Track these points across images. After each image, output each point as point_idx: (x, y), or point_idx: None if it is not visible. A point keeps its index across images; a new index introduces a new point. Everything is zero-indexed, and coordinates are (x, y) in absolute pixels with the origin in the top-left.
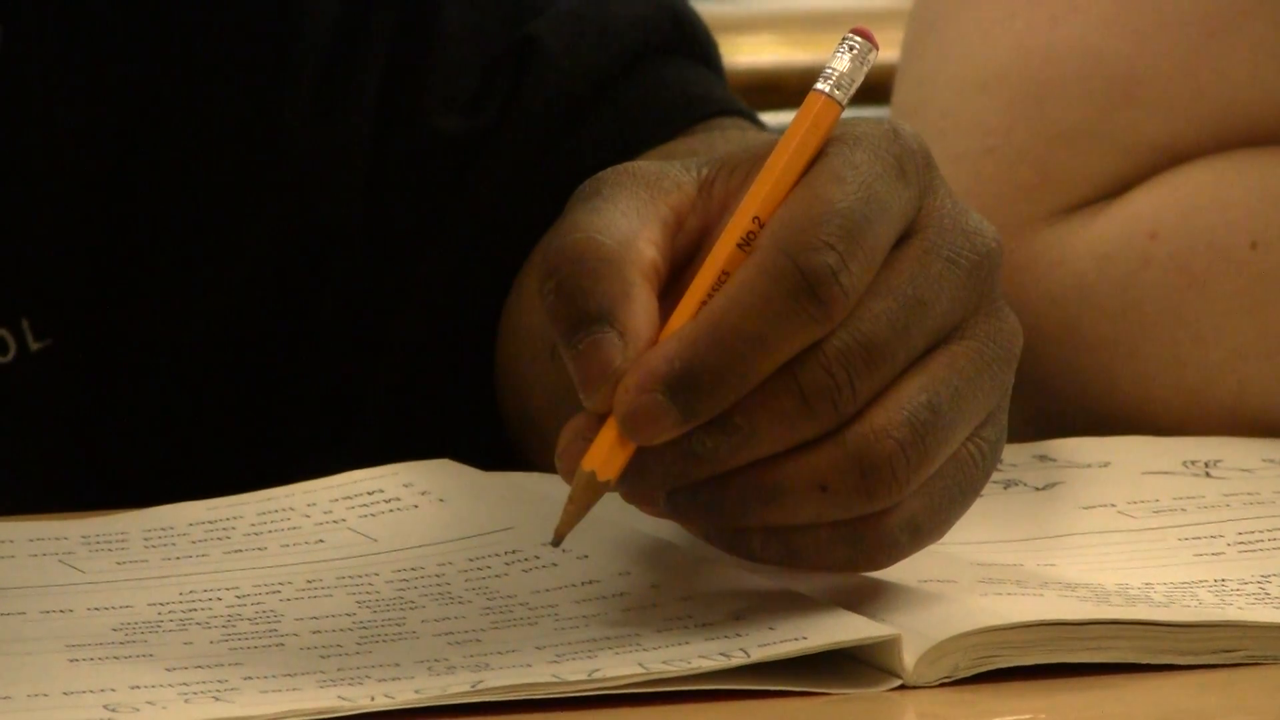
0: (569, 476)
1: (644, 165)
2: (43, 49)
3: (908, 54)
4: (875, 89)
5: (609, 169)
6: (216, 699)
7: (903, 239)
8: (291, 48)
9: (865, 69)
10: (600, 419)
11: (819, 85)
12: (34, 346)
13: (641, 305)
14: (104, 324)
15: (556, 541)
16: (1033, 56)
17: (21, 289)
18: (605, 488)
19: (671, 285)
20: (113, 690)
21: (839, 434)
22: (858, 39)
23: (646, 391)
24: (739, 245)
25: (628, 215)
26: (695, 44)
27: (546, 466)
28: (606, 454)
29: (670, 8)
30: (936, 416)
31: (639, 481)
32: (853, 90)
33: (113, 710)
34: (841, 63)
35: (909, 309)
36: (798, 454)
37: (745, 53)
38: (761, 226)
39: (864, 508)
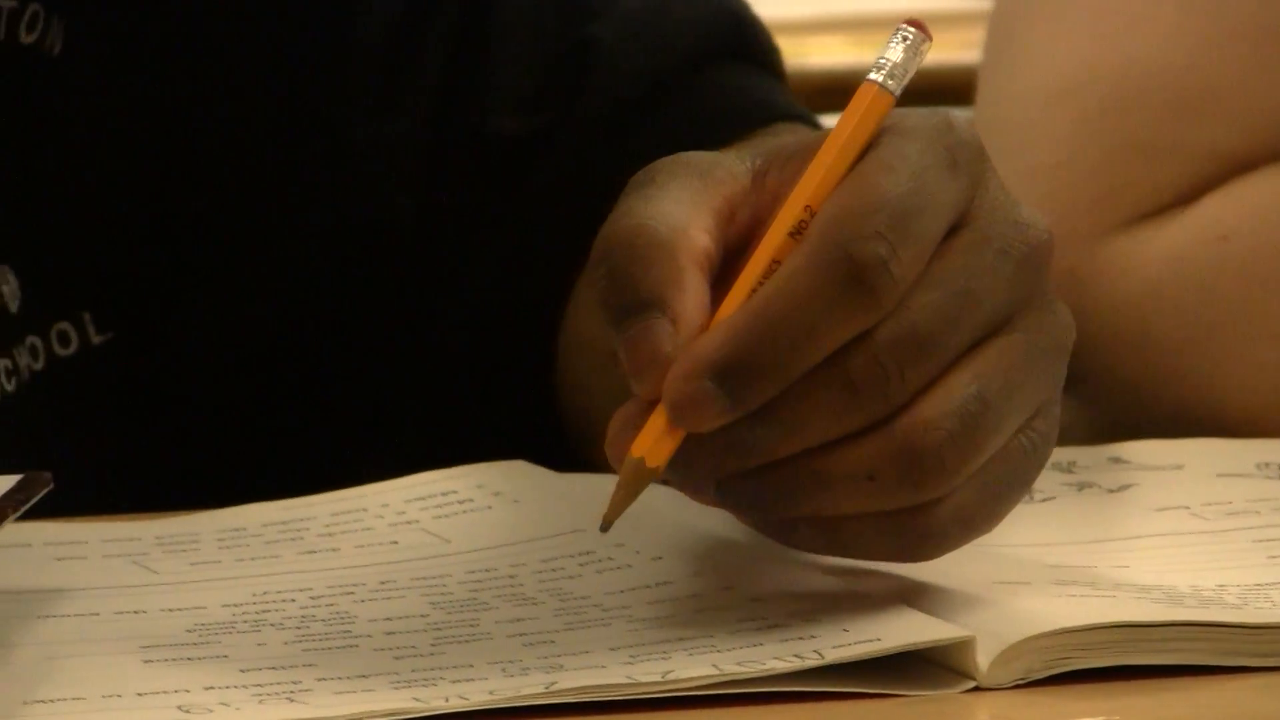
0: (618, 464)
1: (698, 155)
2: (103, 44)
3: (984, 70)
4: (945, 88)
5: (663, 158)
6: (290, 700)
7: (954, 230)
8: (350, 47)
9: (918, 60)
10: (650, 405)
11: (872, 75)
12: (95, 340)
13: (693, 292)
14: (164, 318)
15: (605, 527)
16: (1102, 70)
17: (83, 283)
18: (654, 474)
19: (723, 276)
20: (186, 691)
21: (887, 424)
22: (911, 30)
23: (694, 379)
24: (790, 234)
25: (681, 203)
26: (757, 49)
27: (608, 470)
28: (655, 441)
29: (732, 12)
30: (986, 408)
31: (687, 469)
32: (905, 81)
33: (186, 711)
34: (894, 53)
35: (959, 300)
36: (845, 444)
37: (815, 54)
38: (813, 215)
39: (911, 499)
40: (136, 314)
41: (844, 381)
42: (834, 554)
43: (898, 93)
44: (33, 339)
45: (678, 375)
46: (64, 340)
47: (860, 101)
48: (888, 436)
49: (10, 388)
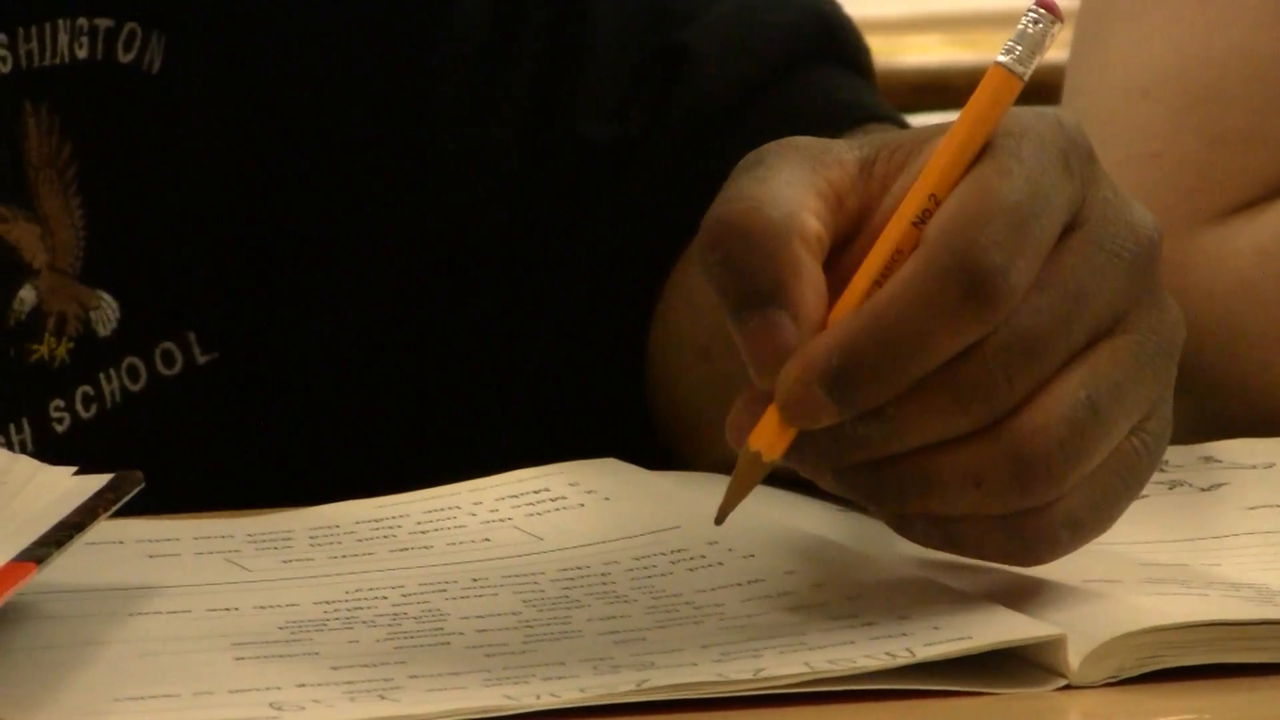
0: (737, 445)
1: (808, 139)
2: (202, 61)
3: (1073, 63)
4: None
5: (773, 141)
6: (382, 697)
7: (1066, 231)
8: (440, 54)
9: (1048, 42)
10: (769, 396)
11: (1000, 58)
12: (201, 360)
13: (810, 283)
14: (266, 335)
15: (719, 520)
16: (1193, 62)
17: (188, 303)
18: (769, 467)
19: (831, 262)
20: (278, 688)
21: (996, 429)
22: (1041, 11)
23: (805, 383)
24: (914, 223)
25: (791, 185)
26: (846, 50)
27: (699, 467)
28: (771, 435)
29: (822, 14)
30: (1095, 413)
31: (801, 460)
32: (1034, 64)
33: (278, 708)
34: (1023, 36)
35: (1070, 303)
36: (954, 447)
37: (912, 53)
38: (938, 204)
39: (1019, 504)
40: (240, 333)
41: (952, 386)
42: (947, 550)
43: (1026, 77)
44: (131, 360)
45: (790, 377)
46: (168, 360)
47: (988, 85)
48: (996, 442)
49: (89, 414)
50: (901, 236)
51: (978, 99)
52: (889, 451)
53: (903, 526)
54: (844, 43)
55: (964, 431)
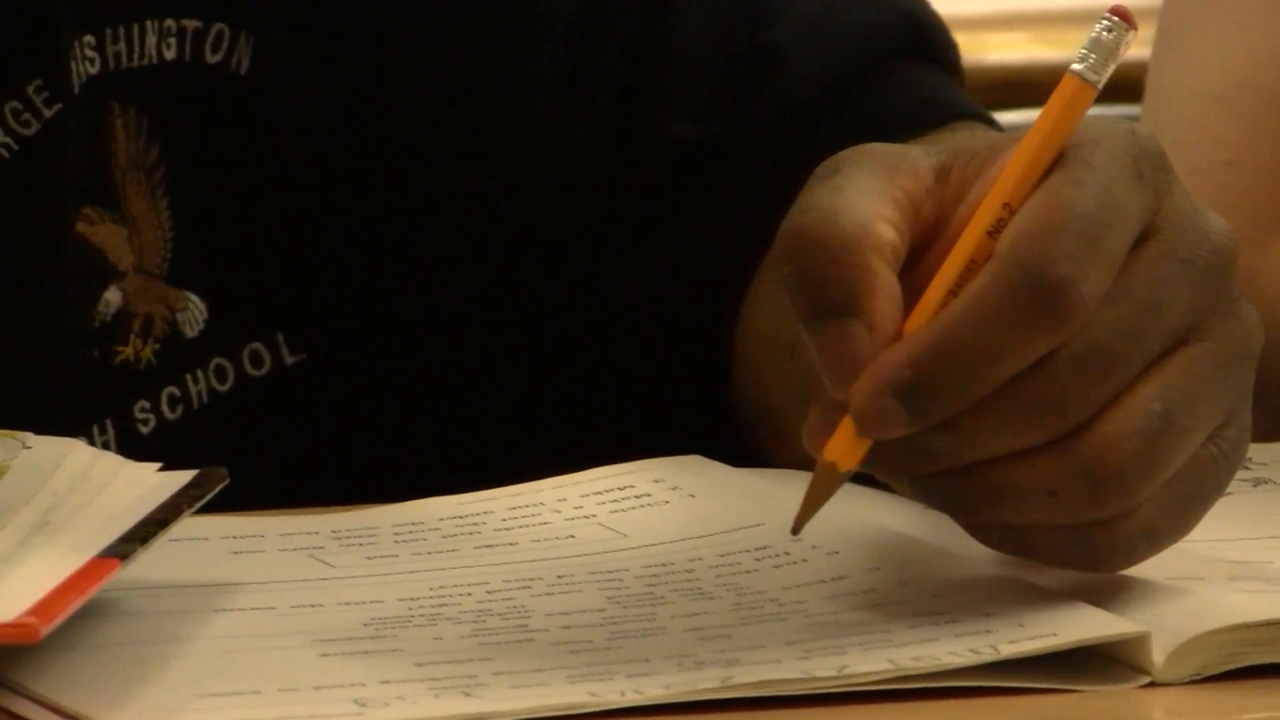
0: (815, 453)
1: (884, 146)
2: (290, 61)
3: (1152, 70)
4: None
5: (849, 149)
6: (466, 694)
7: (1139, 241)
8: (528, 54)
9: (1122, 50)
10: (844, 406)
11: (1074, 67)
12: (289, 361)
13: (885, 294)
14: (354, 334)
15: (796, 530)
16: (1269, 69)
17: (277, 303)
18: (845, 478)
19: (906, 270)
20: (362, 685)
21: (1069, 442)
22: (1114, 19)
23: (879, 394)
24: (988, 232)
25: (866, 195)
26: (935, 48)
27: (785, 465)
28: (847, 446)
29: (910, 13)
30: (1169, 424)
31: (875, 471)
32: (1108, 72)
33: (363, 705)
34: (1097, 44)
35: (1144, 314)
36: (1028, 458)
37: (996, 50)
38: (1012, 213)
39: (1093, 515)
40: (329, 333)
41: (1025, 399)
42: (1023, 557)
43: (1100, 85)
44: (219, 361)
45: (863, 389)
46: (256, 361)
47: (1062, 94)
48: (1069, 454)
49: (174, 416)
50: (976, 247)
51: (1051, 107)
52: (963, 462)
53: (978, 533)
54: (932, 40)
55: (1037, 443)
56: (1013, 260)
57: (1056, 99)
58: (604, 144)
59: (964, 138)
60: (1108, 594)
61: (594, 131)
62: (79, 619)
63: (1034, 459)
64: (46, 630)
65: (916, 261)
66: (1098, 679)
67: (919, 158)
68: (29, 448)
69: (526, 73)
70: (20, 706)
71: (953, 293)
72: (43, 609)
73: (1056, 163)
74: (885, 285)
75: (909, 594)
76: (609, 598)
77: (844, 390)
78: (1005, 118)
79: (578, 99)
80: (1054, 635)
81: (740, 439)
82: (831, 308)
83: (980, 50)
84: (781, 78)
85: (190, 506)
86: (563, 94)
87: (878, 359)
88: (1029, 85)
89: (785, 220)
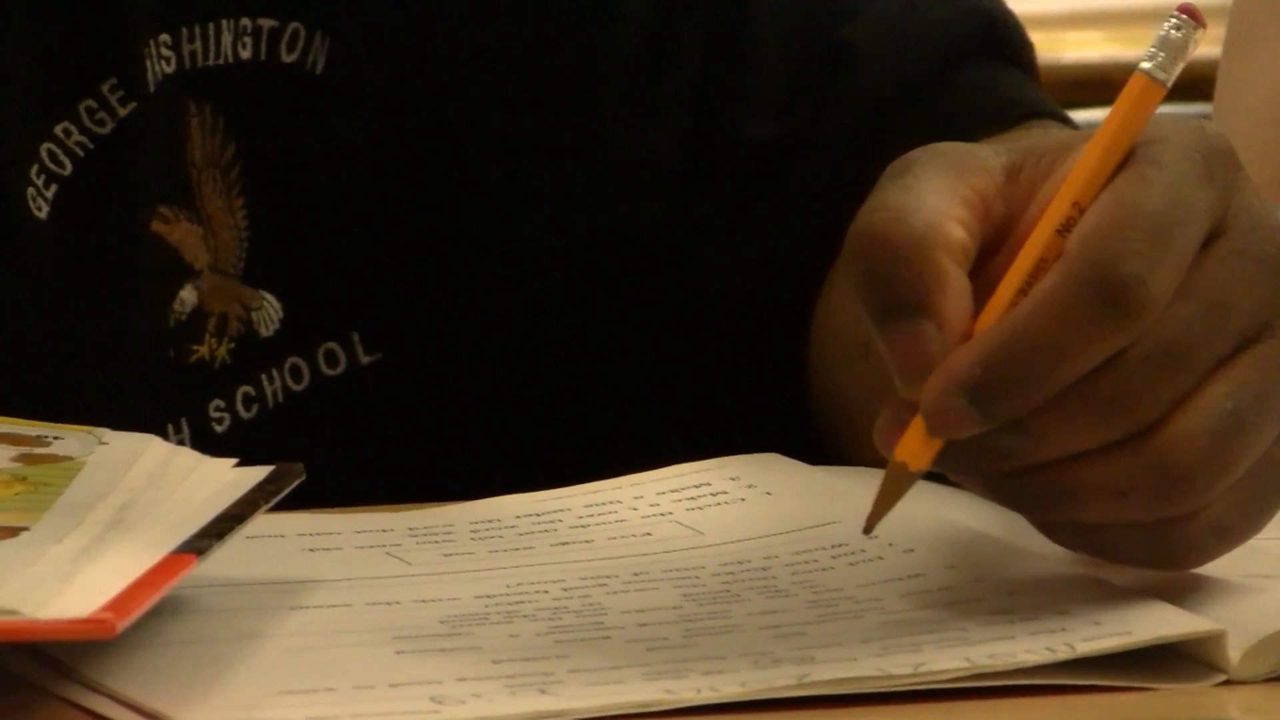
0: (885, 453)
1: (953, 146)
2: (364, 59)
3: (1220, 74)
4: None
5: (919, 148)
6: (542, 691)
7: (1209, 239)
8: (603, 53)
9: (1191, 48)
10: (916, 406)
11: (1143, 65)
12: (364, 360)
13: (955, 293)
14: (429, 334)
15: (868, 530)
16: None
17: (352, 303)
18: (916, 478)
19: (976, 269)
20: (439, 682)
21: (1139, 441)
22: (1183, 17)
23: (949, 395)
24: (1058, 231)
25: (937, 194)
26: (1010, 47)
27: (860, 462)
28: (918, 446)
29: (985, 11)
30: (1240, 423)
31: (947, 470)
32: (1176, 71)
33: (439, 702)
34: (1165, 42)
35: (1214, 312)
36: (1097, 457)
37: (1072, 48)
38: (1081, 212)
39: (1164, 513)
40: (404, 332)
41: (1095, 398)
42: (1094, 556)
43: (1169, 84)
44: (294, 360)
45: (933, 389)
46: (331, 360)
47: (1131, 92)
48: (1140, 453)
49: (249, 415)
50: (1045, 245)
51: (1120, 106)
52: (1033, 461)
53: (1050, 532)
54: (1008, 38)
55: (1107, 442)
56: (1082, 259)
57: (1125, 97)
58: (679, 142)
59: (1035, 136)
60: (1183, 592)
61: (669, 130)
62: (155, 616)
63: (1104, 458)
64: (123, 626)
65: (987, 260)
66: (1173, 677)
67: (989, 157)
68: (105, 443)
69: (602, 71)
70: (96, 703)
71: (1023, 292)
72: (118, 604)
73: (1126, 161)
74: (955, 284)
75: (985, 591)
76: (685, 595)
77: (914, 390)
78: (1081, 116)
79: (653, 97)
80: (1129, 633)
81: (817, 437)
82: (902, 307)
83: (1056, 48)
84: (857, 76)
85: (266, 502)
86: (638, 92)
87: (948, 359)
88: (1105, 83)
89: (855, 220)
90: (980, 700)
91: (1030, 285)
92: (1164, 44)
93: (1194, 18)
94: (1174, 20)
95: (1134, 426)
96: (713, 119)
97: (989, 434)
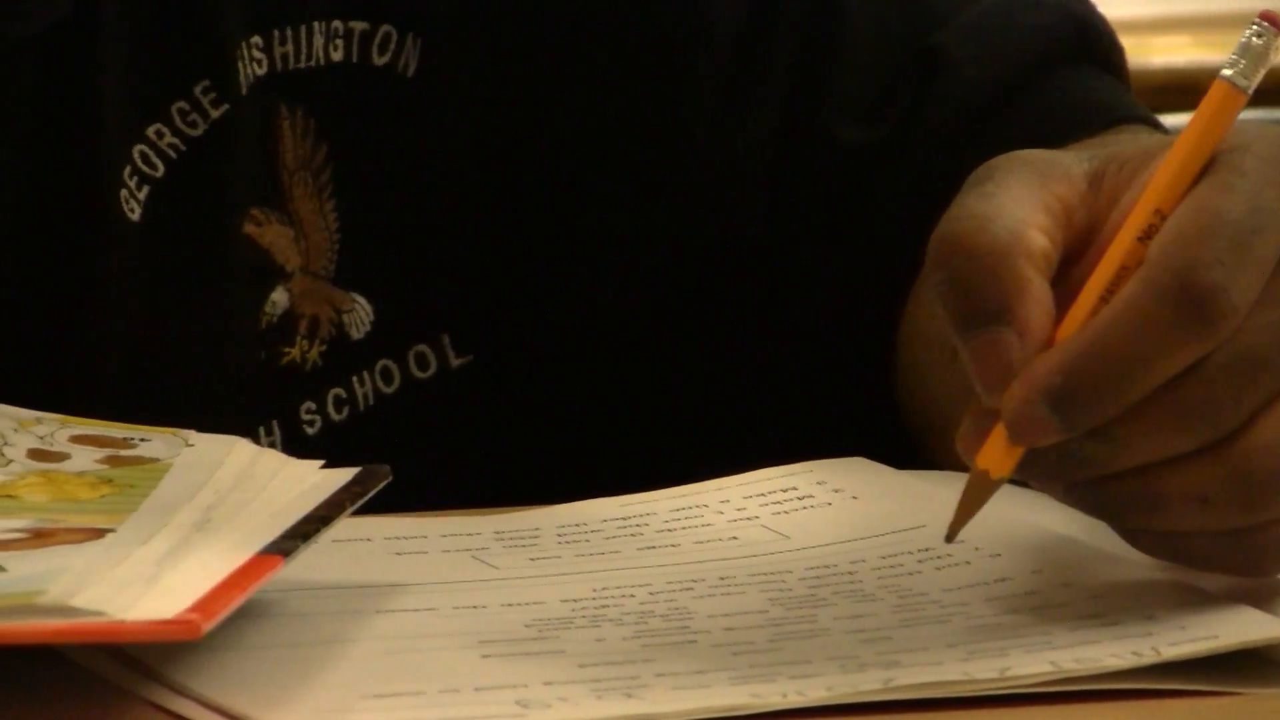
0: (968, 460)
1: (1036, 153)
2: (456, 62)
3: None
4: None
5: (1002, 155)
6: (628, 695)
7: None
8: (696, 57)
9: (1272, 55)
10: (997, 414)
11: (1224, 73)
12: (454, 363)
13: (1036, 301)
14: (520, 337)
15: (950, 538)
16: None
17: (443, 305)
18: (998, 485)
19: (1059, 277)
20: (525, 686)
21: (1221, 448)
22: (1264, 24)
23: (1030, 403)
24: (1139, 239)
25: (1019, 202)
26: (1100, 51)
27: (949, 467)
28: (999, 454)
29: (1076, 16)
30: None
31: (1029, 478)
32: (1258, 77)
33: (525, 706)
34: (1246, 50)
35: None
36: (1179, 465)
37: (1160, 53)
38: (1163, 219)
39: (1246, 521)
40: (495, 335)
41: (1176, 406)
42: (1176, 563)
43: (1250, 90)
44: (385, 363)
45: (1015, 397)
46: (422, 363)
47: (1212, 100)
48: (1222, 461)
49: (340, 417)
50: (1127, 253)
51: (1201, 113)
52: (1114, 469)
53: (1133, 538)
54: (1098, 43)
55: (1188, 450)
56: (1162, 266)
57: (1206, 105)
58: (770, 146)
59: (1120, 142)
60: (1269, 596)
61: (761, 134)
62: (242, 619)
63: (1186, 465)
64: (208, 627)
65: (1071, 267)
66: (1259, 681)
67: (1072, 163)
68: (191, 445)
69: (694, 75)
70: (180, 705)
71: (1104, 299)
72: (204, 606)
73: (1207, 168)
74: (1037, 292)
75: (1070, 596)
76: (771, 599)
77: (996, 398)
78: (1169, 120)
79: (745, 101)
80: (1215, 638)
81: (904, 441)
82: (983, 315)
83: (1144, 53)
84: (948, 81)
85: (352, 504)
86: (730, 96)
87: (1029, 367)
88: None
89: (937, 228)
90: (1065, 705)
91: (1112, 293)
92: (1245, 51)
93: (1275, 25)
94: (1255, 28)
95: (1215, 434)
96: (804, 123)
97: (1070, 442)
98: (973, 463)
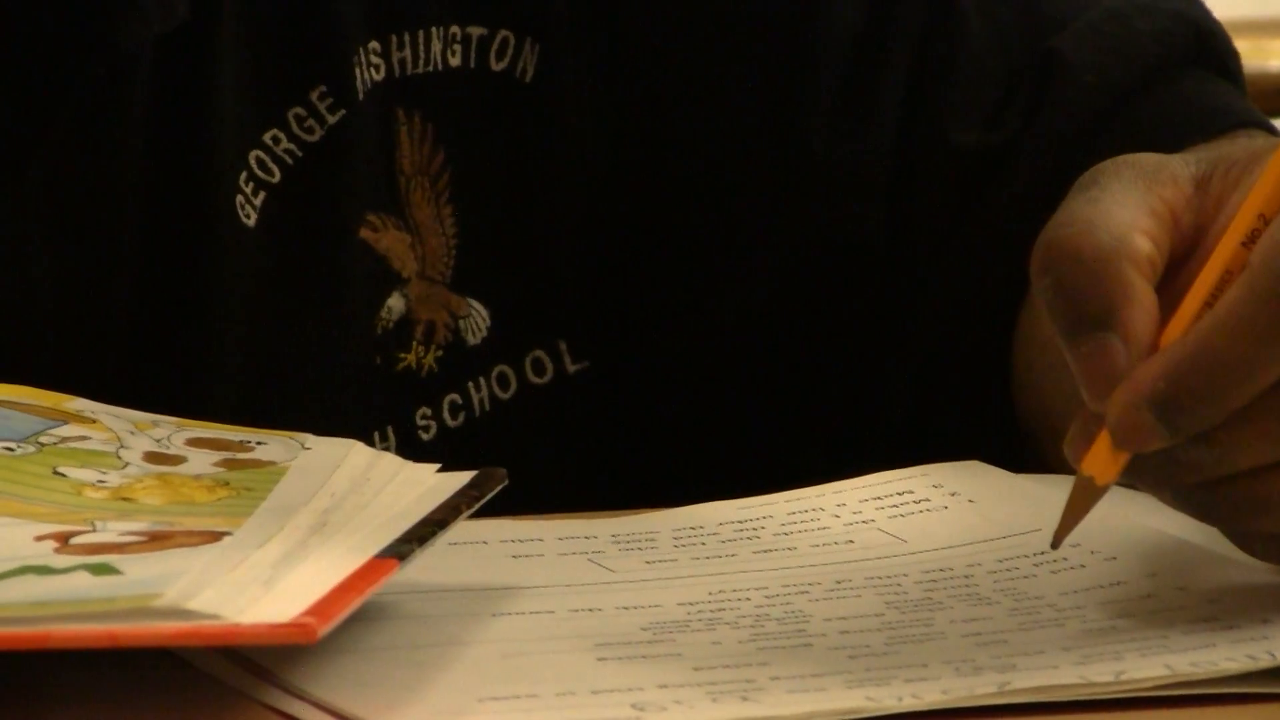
0: (1076, 464)
1: (1144, 157)
2: (574, 67)
3: None
4: None
5: (1109, 160)
6: (744, 699)
7: None
8: (813, 61)
9: None
10: (1103, 418)
11: None
12: (571, 369)
13: (1141, 307)
14: (637, 343)
15: (1055, 544)
16: None
17: (560, 311)
18: (1103, 492)
19: (1166, 281)
20: (640, 689)
21: None
22: None
23: (1135, 409)
24: (1243, 243)
25: (1124, 206)
26: (1216, 56)
27: (1065, 470)
28: (1105, 460)
29: (1192, 20)
30: None
31: (1137, 483)
32: None
33: (640, 709)
34: None
35: None
36: None
37: (1277, 57)
38: (1266, 224)
39: None
40: (612, 341)
41: (1278, 412)
42: None
43: None
44: (501, 368)
45: (1119, 402)
46: (539, 369)
47: None
48: None
49: (456, 423)
50: (1231, 257)
51: None
52: (1220, 474)
53: (1243, 542)
54: (1213, 47)
55: None
56: (1265, 271)
57: None
58: (889, 152)
59: (1228, 146)
60: None
61: (879, 139)
62: (358, 622)
63: None
64: (324, 630)
65: (1178, 270)
66: None
67: (1179, 167)
68: (308, 449)
69: (812, 81)
70: (296, 708)
71: (1208, 304)
72: (320, 609)
73: None
74: (1141, 298)
75: (1186, 600)
76: (887, 603)
77: (1101, 403)
78: None
79: (863, 107)
80: None
81: (1021, 444)
82: (1088, 321)
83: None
84: (1065, 86)
85: (469, 507)
86: (848, 102)
87: (1133, 372)
88: None
89: (1043, 233)
90: (1181, 709)
91: (1216, 298)
92: None
93: None
94: None
95: None
96: (922, 128)
97: (1176, 447)
98: (1078, 468)
